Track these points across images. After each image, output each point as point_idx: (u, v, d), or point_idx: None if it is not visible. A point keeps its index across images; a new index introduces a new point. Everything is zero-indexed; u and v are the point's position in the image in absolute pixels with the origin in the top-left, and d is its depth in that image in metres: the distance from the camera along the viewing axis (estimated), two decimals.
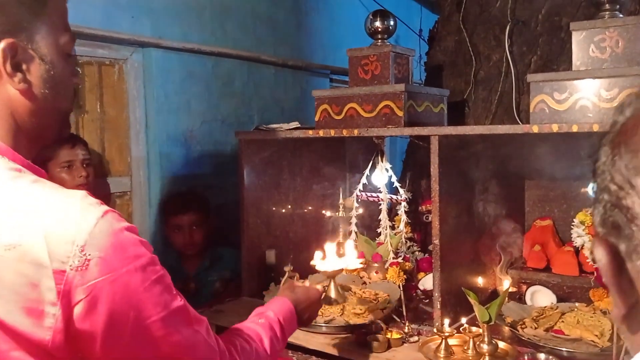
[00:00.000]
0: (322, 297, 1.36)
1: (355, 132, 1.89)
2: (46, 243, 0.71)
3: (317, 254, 1.45)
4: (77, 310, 0.72)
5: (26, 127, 0.84)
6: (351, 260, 1.52)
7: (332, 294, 1.44)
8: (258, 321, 1.12)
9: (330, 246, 1.46)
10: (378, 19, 2.05)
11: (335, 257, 1.47)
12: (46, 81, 0.84)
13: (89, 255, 0.72)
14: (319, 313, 1.78)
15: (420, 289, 2.12)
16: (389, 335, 1.65)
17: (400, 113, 1.90)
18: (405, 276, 2.07)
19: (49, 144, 0.92)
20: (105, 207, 0.76)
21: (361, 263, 1.49)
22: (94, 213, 0.74)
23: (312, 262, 1.45)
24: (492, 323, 1.53)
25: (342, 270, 1.45)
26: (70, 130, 0.94)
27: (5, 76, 0.80)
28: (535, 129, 1.53)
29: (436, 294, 1.72)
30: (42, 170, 0.85)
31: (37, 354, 0.73)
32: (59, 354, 0.74)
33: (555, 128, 1.50)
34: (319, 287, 1.37)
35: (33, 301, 0.71)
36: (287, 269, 1.48)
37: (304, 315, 1.28)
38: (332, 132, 1.94)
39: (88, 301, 0.72)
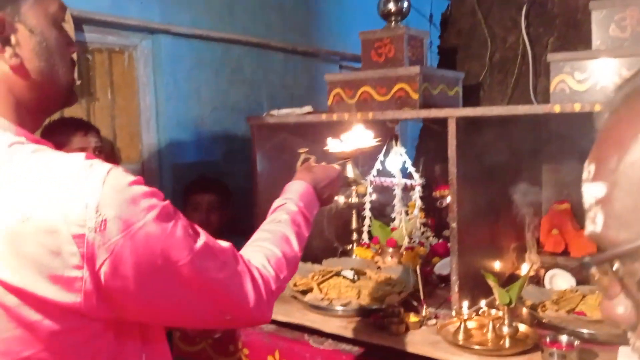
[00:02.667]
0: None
1: (370, 115, 1.88)
2: (59, 209, 0.71)
3: (331, 140, 1.39)
4: (104, 270, 0.73)
5: (26, 101, 0.83)
6: (366, 138, 1.45)
7: (350, 173, 1.39)
8: (280, 219, 1.09)
9: (344, 132, 1.41)
10: (391, 0, 2.03)
11: (350, 139, 1.42)
12: (39, 54, 0.82)
13: (104, 214, 0.72)
14: (335, 296, 1.79)
15: (435, 274, 2.11)
16: (406, 319, 1.65)
17: (415, 96, 1.89)
18: (420, 261, 2.07)
19: (54, 113, 0.91)
20: (108, 165, 0.75)
21: (378, 141, 1.45)
22: (99, 172, 0.74)
23: (325, 148, 1.39)
24: (513, 305, 1.53)
25: (358, 149, 1.40)
26: (77, 99, 0.93)
27: None
28: (557, 108, 1.52)
29: (454, 277, 1.72)
30: (48, 142, 0.84)
31: (70, 319, 0.74)
32: (94, 314, 0.75)
33: (577, 107, 1.49)
34: (337, 166, 1.34)
35: (57, 269, 0.71)
36: (301, 150, 1.41)
37: (324, 194, 1.25)
38: (346, 116, 1.93)
39: (112, 260, 0.73)
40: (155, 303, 0.79)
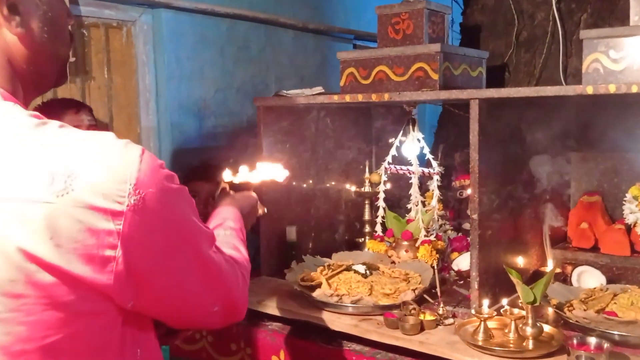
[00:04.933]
0: None
1: (386, 96, 1.86)
2: (98, 185, 0.73)
3: (226, 171, 1.48)
4: (137, 250, 0.76)
5: (23, 74, 0.85)
6: (273, 171, 1.55)
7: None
8: (225, 233, 1.16)
9: (244, 168, 1.50)
10: None
11: (251, 172, 1.52)
12: (44, 24, 0.84)
13: (142, 192, 0.75)
14: (346, 292, 1.78)
15: (453, 270, 2.10)
16: (421, 317, 1.64)
17: (435, 76, 1.86)
18: (437, 255, 2.05)
19: (45, 92, 0.94)
20: (140, 146, 0.79)
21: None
22: (135, 151, 0.77)
23: (225, 178, 1.47)
24: (537, 304, 1.51)
25: (263, 181, 1.51)
26: (67, 79, 0.95)
27: (1, 20, 0.81)
28: (589, 90, 1.48)
29: (474, 274, 1.70)
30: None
31: (96, 302, 0.76)
32: (117, 297, 0.77)
33: (612, 89, 1.45)
34: (254, 194, 1.45)
35: (93, 247, 0.73)
36: (221, 179, 1.50)
37: (248, 219, 1.34)
38: (360, 97, 1.90)
39: (146, 240, 0.76)
40: (171, 288, 0.84)
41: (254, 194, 1.46)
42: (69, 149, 0.75)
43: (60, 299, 0.73)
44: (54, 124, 0.78)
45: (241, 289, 0.98)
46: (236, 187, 1.45)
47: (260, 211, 1.50)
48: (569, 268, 1.98)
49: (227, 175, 1.48)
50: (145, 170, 0.76)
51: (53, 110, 1.95)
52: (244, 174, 1.49)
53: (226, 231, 1.17)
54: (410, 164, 2.20)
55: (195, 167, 2.48)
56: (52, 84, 0.91)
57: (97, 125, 2.14)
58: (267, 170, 1.55)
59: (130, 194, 0.74)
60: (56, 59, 0.88)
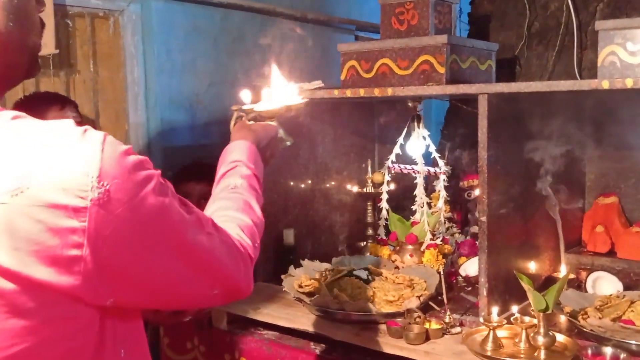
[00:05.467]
0: None
1: (389, 91, 1.86)
2: (56, 180, 0.71)
3: (245, 95, 1.40)
4: (106, 247, 0.74)
5: None
6: (292, 97, 1.45)
7: (281, 133, 1.41)
8: (235, 184, 1.14)
9: (268, 89, 1.42)
10: None
11: (275, 97, 1.43)
12: (9, 12, 0.82)
13: (107, 184, 0.73)
14: (346, 299, 1.77)
15: (461, 276, 2.10)
16: (427, 326, 1.64)
17: (441, 69, 1.86)
18: (444, 260, 2.05)
19: (15, 85, 0.91)
20: (100, 132, 0.77)
21: (304, 98, 1.46)
22: (95, 139, 0.75)
23: (244, 106, 1.39)
24: (550, 312, 1.51)
25: (286, 107, 1.41)
26: (39, 70, 0.93)
27: None
28: (605, 84, 1.48)
29: (482, 279, 1.70)
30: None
31: (65, 305, 0.75)
32: (91, 299, 0.76)
33: (629, 83, 1.45)
34: (274, 123, 1.37)
35: (56, 247, 0.72)
36: (234, 107, 1.41)
37: (266, 152, 1.30)
38: (362, 92, 1.91)
39: (115, 234, 0.75)
40: (153, 280, 0.82)
41: (273, 123, 1.37)
42: (22, 142, 0.73)
43: (23, 306, 0.72)
44: (5, 115, 0.77)
45: (242, 270, 0.96)
46: (256, 118, 1.36)
47: (287, 142, 1.42)
48: (584, 274, 1.98)
49: (244, 100, 1.39)
50: (109, 159, 0.74)
51: (35, 105, 1.95)
52: (265, 101, 1.39)
53: (237, 182, 1.13)
54: (415, 163, 2.20)
55: (187, 167, 2.48)
56: (23, 75, 0.89)
57: (83, 122, 2.15)
58: (285, 95, 1.43)
59: (94, 187, 0.72)
60: (25, 49, 0.86)
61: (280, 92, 1.43)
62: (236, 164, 1.17)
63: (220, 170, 1.18)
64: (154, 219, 0.79)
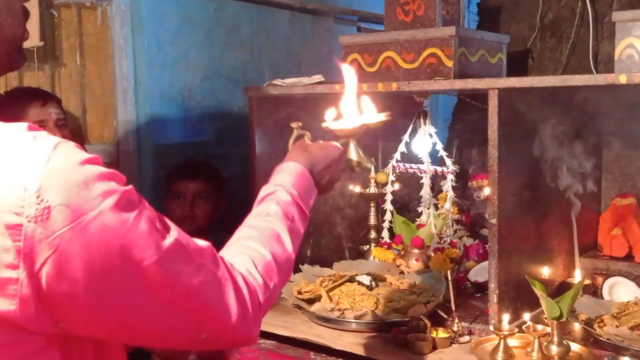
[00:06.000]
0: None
1: (394, 86, 1.87)
2: None
3: (330, 112, 1.36)
4: (46, 270, 0.71)
5: None
6: (371, 114, 1.40)
7: (353, 155, 1.35)
8: (269, 211, 1.06)
9: (346, 102, 1.39)
10: None
11: (353, 113, 1.37)
12: None
13: (48, 200, 0.70)
14: (348, 306, 1.78)
15: (470, 281, 2.10)
16: (434, 334, 1.64)
17: (449, 63, 1.87)
18: (451, 265, 2.06)
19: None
20: (56, 138, 0.74)
21: (386, 116, 1.42)
22: (44, 147, 0.72)
23: (323, 124, 1.36)
24: (564, 320, 1.51)
25: (364, 126, 1.35)
26: (24, 61, 0.93)
27: None
28: (622, 79, 1.49)
29: (493, 285, 1.70)
30: None
31: (3, 332, 0.72)
32: (32, 326, 0.73)
33: None
34: (337, 144, 1.30)
35: None
36: (294, 124, 1.36)
37: (323, 179, 1.21)
38: (365, 87, 1.91)
39: (57, 257, 0.71)
40: (111, 314, 0.77)
41: (337, 144, 1.29)
42: None
43: None
44: None
45: (240, 314, 0.86)
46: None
47: (366, 165, 1.35)
48: (600, 279, 1.98)
49: (329, 119, 1.32)
50: (55, 170, 0.70)
51: (16, 101, 1.96)
52: (334, 122, 1.32)
53: (271, 209, 1.05)
54: (422, 162, 2.20)
55: (179, 165, 2.49)
56: (6, 67, 0.89)
57: (66, 119, 2.15)
58: (365, 112, 1.36)
59: (31, 203, 0.69)
60: (6, 40, 0.85)
61: (356, 106, 1.36)
62: (277, 188, 1.11)
63: (260, 194, 1.12)
64: (108, 241, 0.73)
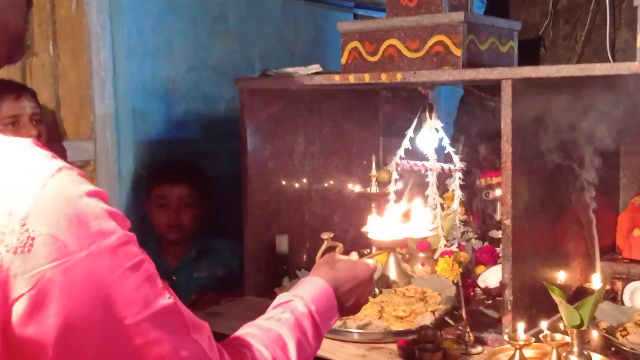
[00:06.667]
0: (377, 276, 1.28)
1: (398, 76, 1.86)
2: None
3: (372, 219, 1.37)
4: (18, 308, 0.68)
5: None
6: (419, 226, 1.41)
7: (392, 273, 1.36)
8: (280, 317, 1.04)
9: (391, 209, 1.38)
10: None
11: (396, 222, 1.38)
12: None
13: (33, 231, 0.68)
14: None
15: (480, 287, 2.11)
16: (443, 345, 1.64)
17: (457, 51, 1.87)
18: (460, 269, 2.06)
19: None
20: (59, 162, 0.72)
21: (432, 230, 1.40)
22: (41, 171, 0.70)
23: (363, 229, 1.37)
24: (584, 328, 1.51)
25: (404, 240, 1.37)
26: (22, 54, 0.92)
27: None
28: None
29: (507, 292, 1.70)
30: None
31: None
32: None
33: None
34: (371, 261, 1.30)
35: None
36: (325, 236, 1.38)
37: (348, 300, 1.19)
38: (367, 78, 1.91)
39: (33, 297, 0.68)
40: None
41: (371, 263, 1.28)
42: None
43: None
44: None
45: None
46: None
47: (390, 284, 1.35)
48: (619, 284, 1.99)
49: (368, 227, 1.32)
50: (49, 198, 0.69)
51: None
52: (375, 231, 1.31)
53: (284, 313, 1.04)
54: (427, 159, 2.20)
55: (162, 164, 2.48)
56: (4, 60, 0.88)
57: (42, 114, 2.13)
58: (405, 226, 1.35)
59: (13, 231, 0.67)
60: (6, 31, 0.85)
61: (396, 224, 1.35)
62: (294, 298, 1.09)
63: (276, 300, 1.11)
64: (94, 290, 0.70)
